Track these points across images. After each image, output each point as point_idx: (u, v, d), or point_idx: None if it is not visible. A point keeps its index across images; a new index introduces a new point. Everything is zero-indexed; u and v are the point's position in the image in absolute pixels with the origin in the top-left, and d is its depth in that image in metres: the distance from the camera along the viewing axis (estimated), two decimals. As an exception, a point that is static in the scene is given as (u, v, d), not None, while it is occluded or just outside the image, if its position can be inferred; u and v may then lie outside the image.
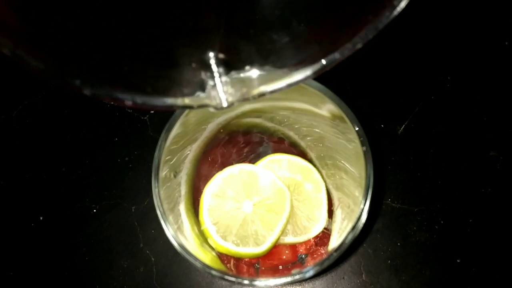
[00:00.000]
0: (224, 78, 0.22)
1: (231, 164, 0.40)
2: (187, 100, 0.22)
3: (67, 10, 0.21)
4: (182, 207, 0.37)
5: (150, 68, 0.22)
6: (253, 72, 0.22)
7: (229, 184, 0.38)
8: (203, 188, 0.40)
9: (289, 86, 0.22)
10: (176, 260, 0.41)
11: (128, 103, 0.21)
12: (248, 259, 0.38)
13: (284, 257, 0.39)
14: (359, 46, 0.20)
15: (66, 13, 0.21)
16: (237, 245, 0.36)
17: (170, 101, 0.22)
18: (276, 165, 0.40)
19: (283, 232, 0.37)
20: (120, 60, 0.21)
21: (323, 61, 0.21)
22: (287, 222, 0.37)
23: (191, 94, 0.22)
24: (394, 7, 0.19)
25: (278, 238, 0.37)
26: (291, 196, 0.38)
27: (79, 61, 0.21)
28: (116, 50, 0.21)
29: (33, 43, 0.19)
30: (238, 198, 0.38)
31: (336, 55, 0.21)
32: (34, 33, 0.20)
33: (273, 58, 0.22)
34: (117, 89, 0.21)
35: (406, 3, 0.19)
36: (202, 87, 0.22)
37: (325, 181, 0.40)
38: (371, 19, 0.19)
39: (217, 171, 0.40)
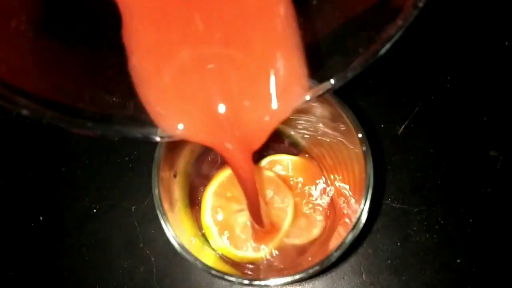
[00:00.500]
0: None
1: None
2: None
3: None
4: (183, 207, 0.37)
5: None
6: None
7: (232, 184, 0.38)
8: (203, 188, 0.40)
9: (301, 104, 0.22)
10: (176, 260, 0.41)
11: (156, 138, 0.22)
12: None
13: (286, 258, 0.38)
14: (349, 76, 0.21)
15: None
16: (238, 248, 0.36)
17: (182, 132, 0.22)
18: (278, 166, 0.40)
19: (286, 235, 0.37)
20: (126, 96, 0.22)
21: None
22: (290, 225, 0.37)
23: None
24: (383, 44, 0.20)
25: (281, 242, 0.37)
26: (294, 199, 0.38)
27: (88, 104, 0.21)
28: (121, 88, 0.22)
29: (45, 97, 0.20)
30: (240, 199, 0.38)
31: (328, 85, 0.21)
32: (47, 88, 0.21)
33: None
34: (130, 127, 0.21)
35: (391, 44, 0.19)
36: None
37: (325, 181, 0.40)
38: (362, 51, 0.20)
39: (217, 171, 0.40)
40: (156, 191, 0.32)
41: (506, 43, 0.47)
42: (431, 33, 0.47)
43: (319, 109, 0.37)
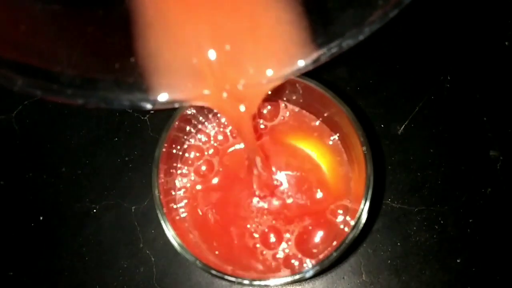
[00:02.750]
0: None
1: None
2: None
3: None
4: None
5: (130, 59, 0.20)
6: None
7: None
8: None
9: (300, 71, 0.20)
10: (176, 260, 0.41)
11: (147, 105, 0.19)
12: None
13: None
14: (366, 32, 0.18)
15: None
16: None
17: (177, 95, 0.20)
18: None
19: None
20: (111, 56, 0.19)
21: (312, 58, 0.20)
22: None
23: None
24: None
25: None
26: None
27: (66, 67, 0.18)
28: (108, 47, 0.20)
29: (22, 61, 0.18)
30: None
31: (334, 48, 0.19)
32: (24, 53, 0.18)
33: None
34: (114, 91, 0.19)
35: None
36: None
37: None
38: (381, 3, 0.18)
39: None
40: (156, 191, 0.32)
41: (506, 43, 0.47)
42: (431, 33, 0.47)
43: (319, 109, 0.37)
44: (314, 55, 0.19)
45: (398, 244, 0.41)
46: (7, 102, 0.47)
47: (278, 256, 0.35)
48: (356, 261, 0.41)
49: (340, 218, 0.36)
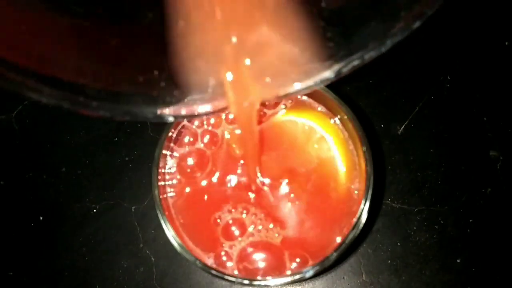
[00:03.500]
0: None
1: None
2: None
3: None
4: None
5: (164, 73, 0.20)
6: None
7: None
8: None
9: (315, 85, 0.21)
10: (176, 260, 0.41)
11: (170, 118, 0.19)
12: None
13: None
14: (388, 44, 0.18)
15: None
16: None
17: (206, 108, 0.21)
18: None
19: None
20: (133, 70, 0.20)
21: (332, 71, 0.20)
22: None
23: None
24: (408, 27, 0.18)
25: None
26: None
27: (92, 80, 0.19)
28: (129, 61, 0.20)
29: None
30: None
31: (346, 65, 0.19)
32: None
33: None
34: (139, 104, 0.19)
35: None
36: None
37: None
38: (403, 15, 0.17)
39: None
40: (156, 191, 0.32)
41: (506, 43, 0.47)
42: (431, 33, 0.47)
43: (320, 109, 0.37)
44: (336, 67, 0.20)
45: (398, 244, 0.41)
46: (7, 102, 0.47)
47: (225, 249, 0.34)
48: (356, 261, 0.41)
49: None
